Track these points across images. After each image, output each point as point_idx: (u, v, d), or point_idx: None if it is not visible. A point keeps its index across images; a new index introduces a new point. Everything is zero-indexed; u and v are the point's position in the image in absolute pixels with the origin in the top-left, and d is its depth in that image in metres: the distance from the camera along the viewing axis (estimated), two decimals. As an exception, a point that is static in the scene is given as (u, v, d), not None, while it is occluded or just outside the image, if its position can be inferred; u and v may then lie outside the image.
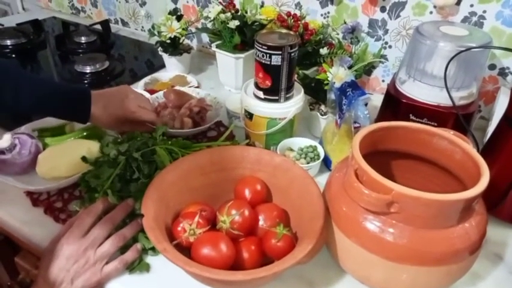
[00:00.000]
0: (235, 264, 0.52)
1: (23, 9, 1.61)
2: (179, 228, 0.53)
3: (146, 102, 0.76)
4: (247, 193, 0.61)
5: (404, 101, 0.76)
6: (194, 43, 1.25)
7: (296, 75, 0.84)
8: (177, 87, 0.94)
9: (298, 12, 0.96)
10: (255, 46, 0.70)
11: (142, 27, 1.34)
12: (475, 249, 0.49)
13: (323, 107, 0.84)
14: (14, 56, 1.17)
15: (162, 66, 1.12)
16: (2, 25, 1.26)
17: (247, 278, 0.44)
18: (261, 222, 0.57)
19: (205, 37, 1.21)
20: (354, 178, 0.49)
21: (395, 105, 0.78)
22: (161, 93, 0.89)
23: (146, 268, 0.56)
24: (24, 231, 0.62)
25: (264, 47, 0.68)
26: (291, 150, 0.77)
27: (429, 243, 0.47)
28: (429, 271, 0.48)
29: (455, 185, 0.56)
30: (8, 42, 1.19)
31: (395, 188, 0.46)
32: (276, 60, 0.69)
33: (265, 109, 0.73)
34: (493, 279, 0.59)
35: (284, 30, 0.74)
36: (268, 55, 0.68)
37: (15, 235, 0.63)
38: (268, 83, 0.72)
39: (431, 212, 0.46)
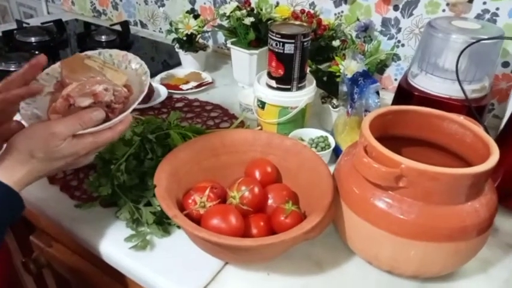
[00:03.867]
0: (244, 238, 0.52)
1: (48, 13, 1.68)
2: (190, 201, 0.54)
3: None
4: (257, 174, 0.62)
5: (416, 93, 0.77)
6: (210, 43, 1.28)
7: (309, 68, 0.86)
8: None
9: (312, 11, 0.99)
10: (269, 35, 0.72)
11: (160, 28, 1.38)
12: (484, 228, 0.49)
13: (334, 101, 0.85)
14: (37, 52, 1.22)
15: (178, 65, 1.15)
16: (28, 24, 1.32)
17: (254, 244, 0.44)
18: (270, 201, 0.58)
19: (220, 38, 1.24)
20: (363, 153, 0.50)
21: (407, 98, 0.79)
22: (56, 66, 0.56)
23: (143, 246, 0.56)
24: (41, 207, 0.64)
25: (277, 35, 0.70)
26: (302, 140, 0.77)
27: (438, 219, 0.47)
28: (438, 247, 0.48)
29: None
30: (33, 39, 1.25)
31: (403, 161, 0.46)
32: (289, 48, 0.70)
33: (277, 97, 0.75)
34: (505, 267, 0.58)
35: (297, 22, 0.76)
36: (281, 43, 0.70)
37: (32, 211, 0.65)
38: (281, 71, 0.73)
39: (439, 187, 0.46)
